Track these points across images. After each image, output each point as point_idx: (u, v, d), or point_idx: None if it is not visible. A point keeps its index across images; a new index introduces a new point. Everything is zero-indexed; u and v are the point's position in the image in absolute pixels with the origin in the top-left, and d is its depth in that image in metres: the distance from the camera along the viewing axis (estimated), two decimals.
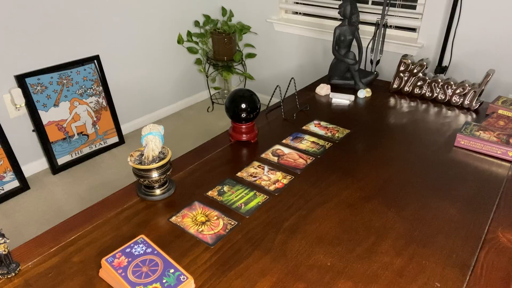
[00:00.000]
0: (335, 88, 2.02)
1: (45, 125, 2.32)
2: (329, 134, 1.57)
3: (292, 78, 1.83)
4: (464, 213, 1.14)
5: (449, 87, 1.81)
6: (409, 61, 1.87)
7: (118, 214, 1.14)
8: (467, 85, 1.76)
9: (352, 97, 1.89)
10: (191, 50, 3.06)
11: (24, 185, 2.27)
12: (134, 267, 0.90)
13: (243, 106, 1.39)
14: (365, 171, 1.34)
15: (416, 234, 1.06)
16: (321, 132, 1.59)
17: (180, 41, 2.95)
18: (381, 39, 2.30)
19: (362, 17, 2.46)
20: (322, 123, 1.66)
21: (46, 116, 2.31)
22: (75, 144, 2.48)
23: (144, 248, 0.95)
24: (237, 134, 1.48)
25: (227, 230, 1.07)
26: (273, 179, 1.29)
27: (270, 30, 2.97)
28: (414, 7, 2.35)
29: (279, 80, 3.14)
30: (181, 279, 0.87)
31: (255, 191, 1.23)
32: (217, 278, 0.93)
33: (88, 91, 2.48)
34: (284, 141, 1.52)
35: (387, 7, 2.34)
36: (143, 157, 1.16)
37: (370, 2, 2.52)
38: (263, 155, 1.42)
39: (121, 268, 0.89)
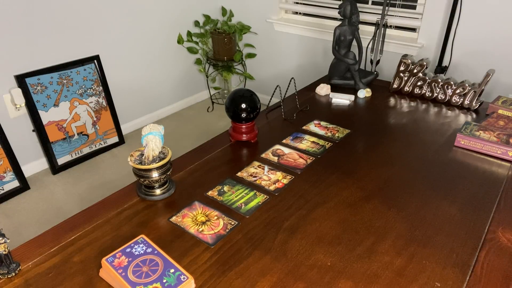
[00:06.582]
0: (335, 88, 2.02)
1: (45, 125, 2.32)
2: (329, 134, 1.57)
3: (292, 78, 1.83)
4: (464, 213, 1.14)
5: (449, 87, 1.81)
6: (409, 61, 1.87)
7: (118, 214, 1.14)
8: (467, 85, 1.76)
9: (352, 97, 1.89)
10: (191, 50, 3.06)
11: (24, 185, 2.27)
12: (134, 267, 0.90)
13: (243, 106, 1.39)
14: (365, 171, 1.34)
15: (416, 234, 1.06)
16: (321, 132, 1.59)
17: (180, 41, 2.96)
18: (381, 39, 2.30)
19: (362, 17, 2.46)
20: (322, 123, 1.66)
21: (46, 116, 2.31)
22: (75, 144, 2.48)
23: (144, 248, 0.95)
24: (237, 134, 1.48)
25: (227, 230, 1.07)
26: (273, 179, 1.29)
27: (270, 30, 2.97)
28: (414, 7, 2.35)
29: (279, 80, 3.14)
30: (181, 279, 0.87)
31: (255, 191, 1.23)
32: (217, 278, 0.93)
33: (88, 91, 2.48)
34: (284, 141, 1.52)
35: (387, 7, 2.34)
36: (143, 157, 1.16)
37: (370, 2, 2.52)
38: (263, 155, 1.42)
39: (121, 268, 0.89)
